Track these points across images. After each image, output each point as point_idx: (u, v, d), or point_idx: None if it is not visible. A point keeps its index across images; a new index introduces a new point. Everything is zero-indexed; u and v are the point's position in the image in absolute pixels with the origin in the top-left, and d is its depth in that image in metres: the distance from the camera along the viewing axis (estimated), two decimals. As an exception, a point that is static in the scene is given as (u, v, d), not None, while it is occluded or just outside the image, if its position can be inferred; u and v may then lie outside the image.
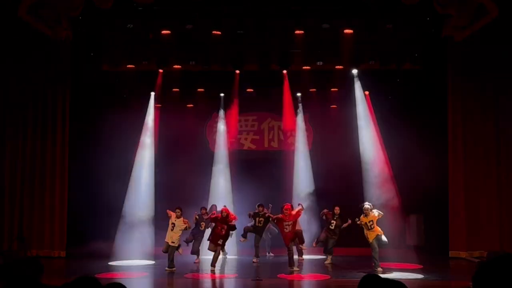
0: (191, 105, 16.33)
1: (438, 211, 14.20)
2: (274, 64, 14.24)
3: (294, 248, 12.19)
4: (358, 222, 11.82)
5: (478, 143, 13.82)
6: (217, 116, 16.33)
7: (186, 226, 12.10)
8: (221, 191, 15.22)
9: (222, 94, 16.11)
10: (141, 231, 14.05)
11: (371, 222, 11.61)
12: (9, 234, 13.71)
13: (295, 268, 11.66)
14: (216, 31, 13.14)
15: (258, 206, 13.40)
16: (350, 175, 14.88)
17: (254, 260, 13.13)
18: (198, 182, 15.08)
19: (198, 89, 15.88)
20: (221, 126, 16.10)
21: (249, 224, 13.43)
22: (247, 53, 14.06)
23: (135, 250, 13.53)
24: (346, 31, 13.26)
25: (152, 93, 15.39)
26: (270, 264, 13.02)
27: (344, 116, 15.55)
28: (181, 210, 12.15)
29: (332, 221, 13.07)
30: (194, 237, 13.17)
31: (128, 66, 14.36)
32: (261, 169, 15.37)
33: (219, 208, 13.03)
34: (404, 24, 13.44)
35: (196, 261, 13.10)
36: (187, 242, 13.14)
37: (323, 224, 13.60)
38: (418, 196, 14.55)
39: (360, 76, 14.85)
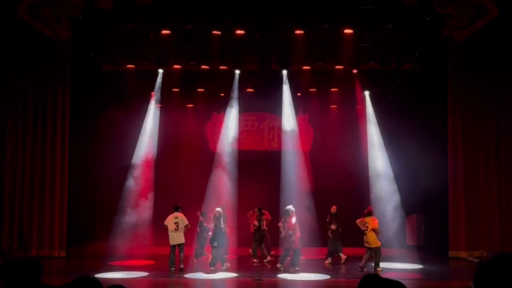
0: (191, 105, 16.33)
1: (438, 211, 14.19)
2: (274, 64, 14.24)
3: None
4: (360, 224, 11.86)
5: (478, 143, 13.82)
6: (217, 116, 16.33)
7: (187, 224, 12.11)
8: (221, 191, 15.21)
9: (222, 94, 16.11)
10: (141, 231, 14.05)
11: (366, 228, 11.63)
12: (9, 234, 13.71)
13: (297, 268, 11.76)
14: (216, 31, 13.14)
15: (260, 209, 13.43)
16: (350, 174, 14.90)
17: (254, 260, 13.19)
18: (198, 182, 15.08)
19: (198, 89, 15.87)
20: (221, 126, 16.10)
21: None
22: (247, 53, 14.06)
23: (135, 250, 13.52)
24: (346, 31, 13.26)
25: (152, 93, 15.39)
26: (270, 264, 13.00)
27: (344, 116, 15.56)
28: (180, 206, 12.17)
29: (330, 227, 13.06)
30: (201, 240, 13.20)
31: (128, 66, 14.37)
32: (261, 169, 15.38)
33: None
34: (404, 24, 13.43)
35: (195, 261, 13.13)
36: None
37: (323, 223, 13.61)
38: (418, 196, 14.55)
39: (360, 76, 14.86)
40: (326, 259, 13.11)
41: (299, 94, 15.92)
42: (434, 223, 14.49)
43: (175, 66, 14.59)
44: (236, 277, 11.46)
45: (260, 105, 16.23)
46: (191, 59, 13.98)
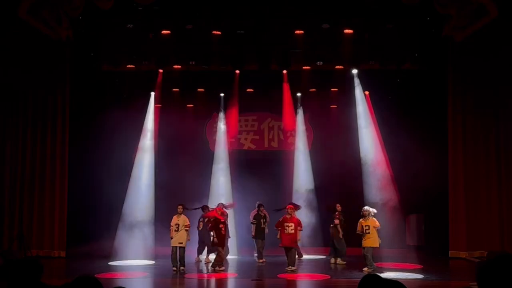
0: (191, 105, 16.33)
1: (438, 211, 14.19)
2: (274, 64, 14.25)
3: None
4: (357, 232, 11.85)
5: (478, 143, 13.83)
6: (217, 116, 16.33)
7: (187, 225, 12.09)
8: (221, 191, 15.22)
9: (222, 94, 16.11)
10: (141, 231, 14.05)
11: (367, 227, 11.61)
12: (9, 234, 13.71)
13: (293, 268, 11.76)
14: (216, 31, 13.15)
15: (259, 206, 13.42)
16: (350, 175, 14.89)
17: (261, 260, 13.15)
18: (198, 182, 15.08)
19: (198, 89, 15.88)
20: (221, 126, 16.10)
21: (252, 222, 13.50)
22: (247, 53, 14.06)
23: (135, 250, 13.52)
24: (346, 31, 13.27)
25: (152, 93, 15.39)
26: (270, 264, 13.00)
27: (344, 116, 15.56)
28: (183, 207, 12.10)
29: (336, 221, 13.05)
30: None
31: (128, 66, 14.37)
32: (261, 169, 15.37)
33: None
34: (404, 24, 13.44)
35: (197, 259, 13.16)
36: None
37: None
38: (418, 196, 14.55)
39: (360, 76, 14.86)
40: (335, 258, 13.07)
41: (299, 94, 15.93)
42: (434, 223, 14.49)
43: (175, 66, 14.59)
44: (236, 277, 11.46)
45: (260, 105, 16.22)
46: (191, 59, 13.98)
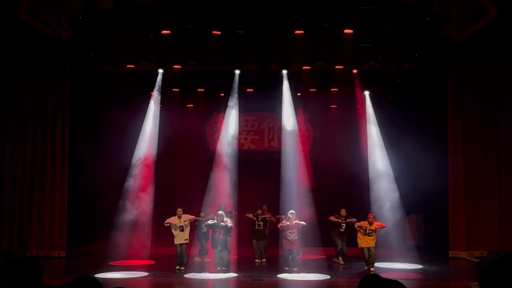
0: (191, 105, 16.33)
1: (438, 211, 14.20)
2: (274, 64, 14.25)
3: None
4: (357, 225, 11.95)
5: (478, 143, 13.83)
6: (217, 116, 16.33)
7: (192, 219, 12.19)
8: (221, 191, 15.21)
9: (222, 94, 16.12)
10: (141, 231, 14.05)
11: (370, 231, 11.75)
12: (9, 234, 13.71)
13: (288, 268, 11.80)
14: (216, 31, 13.15)
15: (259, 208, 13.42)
16: (350, 175, 14.89)
17: (258, 260, 13.15)
18: (198, 182, 15.08)
19: (198, 89, 15.87)
20: (221, 126, 16.10)
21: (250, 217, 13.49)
22: (247, 53, 14.06)
23: (135, 250, 13.52)
24: (346, 31, 13.27)
25: (152, 93, 15.39)
26: (270, 264, 13.00)
27: (344, 116, 15.57)
28: (182, 210, 12.21)
29: (342, 224, 13.07)
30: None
31: (128, 66, 14.37)
32: (261, 169, 15.38)
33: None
34: (404, 24, 13.44)
35: (200, 258, 13.16)
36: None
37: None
38: (418, 196, 14.56)
39: (360, 76, 14.86)
40: (338, 258, 13.10)
41: (299, 94, 15.92)
42: (434, 223, 14.50)
43: (175, 66, 14.59)
44: (236, 277, 11.47)
45: (260, 105, 16.22)
46: (191, 59, 13.98)
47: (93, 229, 14.44)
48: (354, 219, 12.67)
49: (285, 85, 15.32)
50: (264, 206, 13.77)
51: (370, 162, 14.74)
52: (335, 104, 16.13)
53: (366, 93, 15.30)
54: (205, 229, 12.76)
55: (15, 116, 14.07)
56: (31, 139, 14.04)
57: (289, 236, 11.92)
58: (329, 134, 15.89)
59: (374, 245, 11.89)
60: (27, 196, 13.92)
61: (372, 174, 14.62)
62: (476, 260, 12.23)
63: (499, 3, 12.21)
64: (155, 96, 15.40)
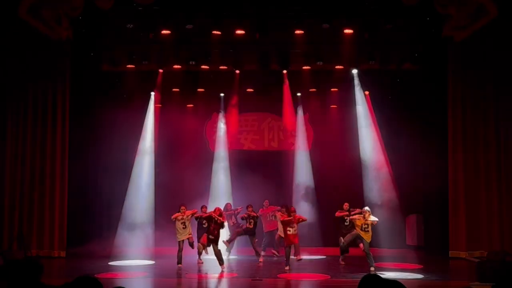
0: (191, 105, 16.34)
1: (438, 211, 14.20)
2: (274, 64, 14.25)
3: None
4: (349, 217, 11.98)
5: (478, 143, 13.82)
6: (217, 116, 16.34)
7: (193, 214, 12.27)
8: (221, 191, 15.23)
9: (222, 94, 16.12)
10: (141, 231, 14.05)
11: (366, 226, 11.67)
12: (9, 234, 13.71)
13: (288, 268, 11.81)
14: (216, 31, 13.15)
15: (247, 207, 13.37)
16: (350, 175, 14.90)
17: (260, 259, 13.13)
18: (198, 182, 15.09)
19: (198, 89, 15.88)
20: (221, 126, 16.11)
21: (240, 222, 13.49)
22: (247, 53, 14.07)
23: (135, 250, 13.53)
24: (346, 31, 13.27)
25: (152, 93, 15.40)
26: (270, 264, 13.00)
27: (344, 116, 15.57)
28: (185, 208, 12.30)
29: (346, 218, 13.03)
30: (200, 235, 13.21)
31: (128, 66, 14.37)
32: (261, 169, 15.38)
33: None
34: (404, 24, 13.44)
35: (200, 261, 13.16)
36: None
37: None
38: (418, 196, 14.55)
39: (360, 76, 14.86)
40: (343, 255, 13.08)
41: (299, 94, 15.93)
42: (434, 223, 14.49)
43: (175, 66, 14.59)
44: (236, 277, 11.46)
45: (260, 105, 16.24)
46: (191, 59, 13.98)
47: (93, 229, 14.43)
48: (358, 209, 12.61)
49: (285, 85, 15.34)
50: (266, 201, 13.90)
51: (370, 162, 14.73)
52: (335, 104, 16.14)
53: (366, 93, 15.30)
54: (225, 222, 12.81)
55: (15, 116, 14.07)
56: (31, 139, 14.04)
57: (289, 230, 11.88)
58: (329, 134, 15.89)
59: (369, 240, 11.77)
60: (27, 196, 13.91)
61: (372, 174, 14.62)
62: (476, 260, 12.22)
63: (499, 3, 12.21)
64: (155, 96, 15.41)
